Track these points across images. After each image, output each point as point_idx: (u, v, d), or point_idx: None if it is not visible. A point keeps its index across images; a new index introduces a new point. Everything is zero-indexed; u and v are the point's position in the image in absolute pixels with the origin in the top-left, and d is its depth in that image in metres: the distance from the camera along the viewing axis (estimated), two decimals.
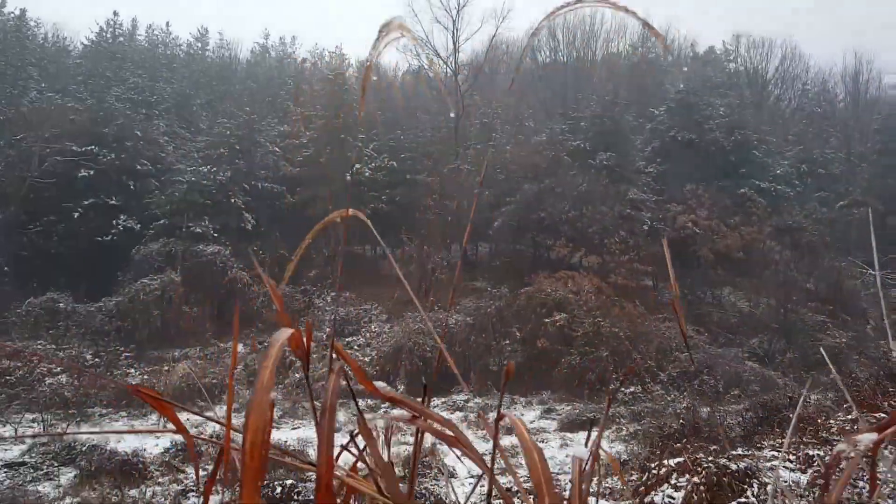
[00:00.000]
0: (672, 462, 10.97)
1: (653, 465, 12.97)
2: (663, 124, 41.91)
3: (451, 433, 1.03)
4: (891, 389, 13.35)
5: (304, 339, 1.05)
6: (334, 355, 1.07)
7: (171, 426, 1.06)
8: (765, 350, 28.08)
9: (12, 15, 47.74)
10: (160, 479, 14.51)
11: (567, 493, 1.25)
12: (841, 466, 0.99)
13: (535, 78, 55.92)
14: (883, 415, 10.98)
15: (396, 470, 1.16)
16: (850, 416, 13.12)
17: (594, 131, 39.09)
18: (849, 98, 61.85)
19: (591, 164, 36.70)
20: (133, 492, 13.45)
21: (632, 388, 23.97)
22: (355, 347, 27.08)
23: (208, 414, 1.29)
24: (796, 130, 53.07)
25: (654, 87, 50.13)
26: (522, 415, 22.43)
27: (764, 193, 38.87)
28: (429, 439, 1.23)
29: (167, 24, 63.05)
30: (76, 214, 32.95)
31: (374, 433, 1.15)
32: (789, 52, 62.08)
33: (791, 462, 9.98)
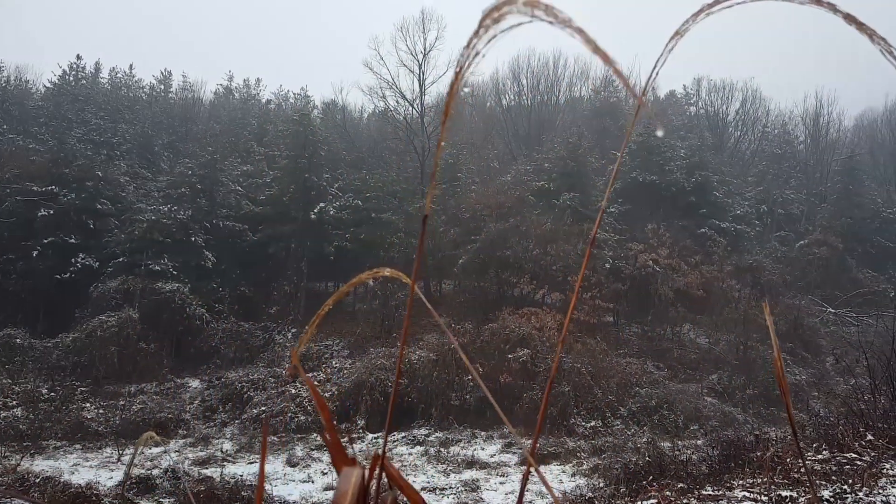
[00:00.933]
0: None
1: None
2: (625, 165, 42.75)
3: None
4: (861, 429, 13.43)
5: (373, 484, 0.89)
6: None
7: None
8: (724, 386, 28.30)
9: None
10: None
11: None
12: None
13: (501, 120, 57.07)
14: (854, 455, 11.08)
15: None
16: (819, 457, 13.14)
17: (558, 172, 39.78)
18: (809, 140, 63.53)
19: (555, 203, 37.28)
20: None
21: (592, 423, 24.01)
22: (315, 383, 26.81)
23: None
24: (756, 171, 54.44)
25: (615, 130, 51.23)
26: (483, 448, 22.38)
27: (724, 233, 39.65)
28: None
29: (130, 66, 63.44)
30: (35, 253, 32.60)
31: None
32: (750, 95, 63.86)
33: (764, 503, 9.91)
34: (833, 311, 38.79)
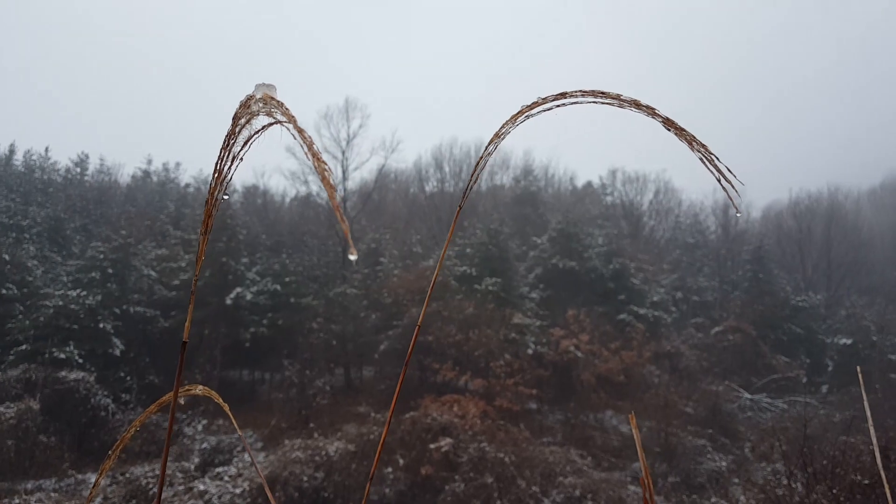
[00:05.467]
0: None
1: None
2: (546, 252, 43.51)
3: None
4: None
5: None
6: None
7: None
8: None
9: None
10: None
11: None
12: None
13: (423, 206, 57.82)
14: None
15: None
16: None
17: (480, 257, 40.07)
18: (719, 229, 66.63)
19: (478, 288, 37.36)
20: None
21: None
22: (226, 479, 25.20)
23: None
24: (671, 259, 56.32)
25: (536, 217, 52.43)
26: None
27: (642, 319, 40.39)
28: None
29: (46, 149, 61.50)
30: None
31: None
32: (662, 186, 66.94)
33: None
34: (749, 396, 39.56)
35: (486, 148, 1.10)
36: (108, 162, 62.61)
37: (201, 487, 24.72)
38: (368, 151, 53.52)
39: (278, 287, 35.69)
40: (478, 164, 1.20)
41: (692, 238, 61.86)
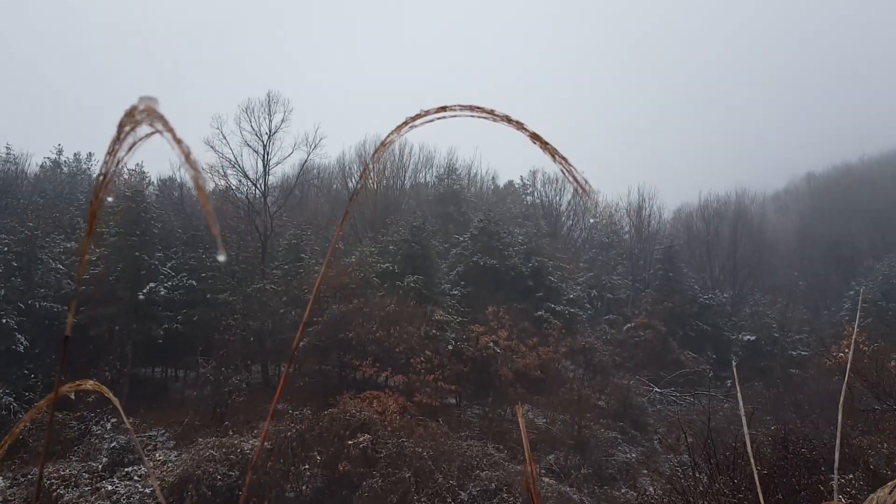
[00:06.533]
0: None
1: None
2: (467, 250, 44.08)
3: None
4: None
5: None
6: None
7: None
8: (561, 466, 28.91)
9: None
10: None
11: None
12: None
13: (347, 202, 57.34)
14: None
15: None
16: None
17: (402, 255, 40.25)
18: (633, 230, 69.00)
19: (399, 285, 37.54)
20: None
21: None
22: (136, 478, 24.57)
23: None
24: (587, 258, 58.00)
25: (458, 216, 53.02)
26: None
27: (559, 315, 41.46)
28: None
29: None
30: None
31: None
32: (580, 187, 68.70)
33: None
34: (659, 390, 41.23)
35: (374, 154, 1.16)
36: (16, 151, 59.15)
37: (109, 487, 24.08)
38: (290, 146, 52.69)
39: (194, 282, 34.86)
40: (364, 169, 1.34)
41: (607, 238, 63.87)
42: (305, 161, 44.90)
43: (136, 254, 34.20)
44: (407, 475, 24.66)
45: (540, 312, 41.00)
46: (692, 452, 17.60)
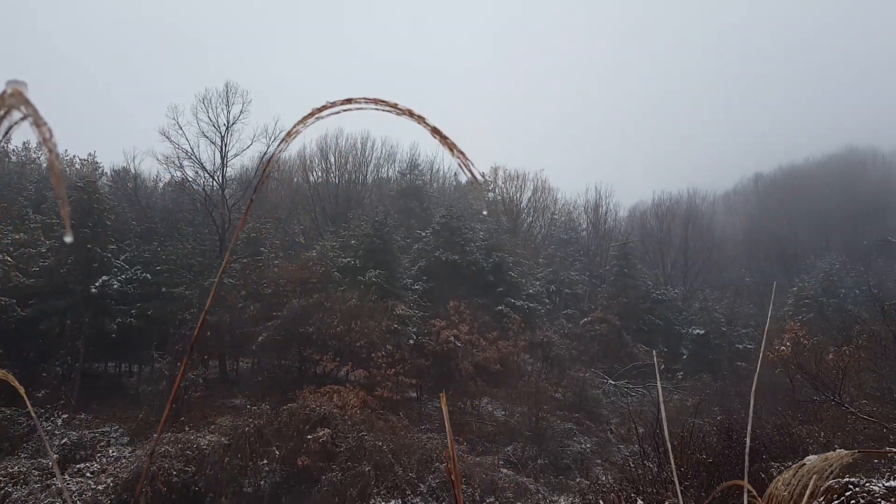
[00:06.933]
0: None
1: None
2: (429, 245, 44.23)
3: None
4: (632, 494, 14.35)
5: None
6: None
7: None
8: (518, 457, 29.32)
9: None
10: None
11: None
12: None
13: (308, 196, 57.13)
14: None
15: None
16: None
17: (364, 249, 40.18)
18: (590, 227, 70.15)
19: (361, 280, 37.49)
20: None
21: (392, 502, 23.66)
22: (88, 475, 24.07)
23: None
24: (546, 254, 58.72)
25: (420, 211, 53.11)
26: None
27: (519, 310, 41.95)
28: None
29: None
30: None
31: None
32: (540, 185, 69.73)
33: None
34: (613, 382, 42.05)
35: (279, 146, 1.15)
36: None
37: (60, 485, 23.48)
38: (250, 138, 52.21)
39: (149, 276, 34.20)
40: (270, 159, 1.31)
41: (566, 234, 64.71)
42: (265, 153, 44.27)
43: (89, 246, 33.35)
44: (367, 469, 24.66)
45: (500, 307, 41.41)
46: (642, 442, 18.13)
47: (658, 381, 2.38)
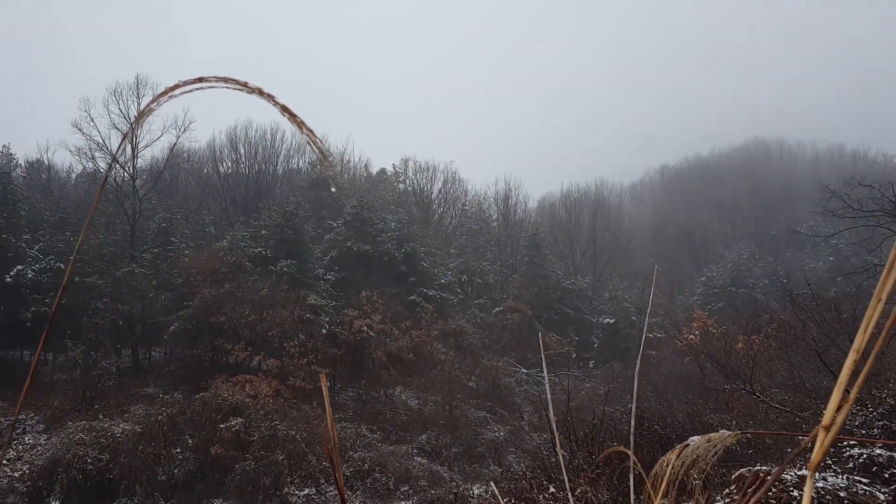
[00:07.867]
0: None
1: None
2: (341, 235, 44.65)
3: None
4: (544, 482, 14.71)
5: None
6: None
7: None
8: (432, 446, 30.19)
9: None
10: None
11: None
12: None
13: (218, 186, 56.51)
14: None
15: None
16: None
17: (275, 239, 40.31)
18: (501, 218, 71.93)
19: (273, 270, 37.65)
20: None
21: (306, 491, 24.27)
22: (3, 462, 23.71)
23: None
24: (458, 244, 59.91)
25: (332, 202, 53.34)
26: None
27: (431, 300, 42.97)
28: None
29: None
30: None
31: None
32: (450, 176, 70.99)
33: None
34: (525, 371, 43.67)
35: (131, 125, 1.31)
36: None
37: None
38: (160, 129, 51.09)
39: (62, 265, 33.59)
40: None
41: (477, 225, 66.12)
42: (175, 144, 43.66)
43: (3, 236, 32.68)
44: (280, 458, 25.15)
45: (413, 297, 42.33)
46: (552, 430, 18.93)
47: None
